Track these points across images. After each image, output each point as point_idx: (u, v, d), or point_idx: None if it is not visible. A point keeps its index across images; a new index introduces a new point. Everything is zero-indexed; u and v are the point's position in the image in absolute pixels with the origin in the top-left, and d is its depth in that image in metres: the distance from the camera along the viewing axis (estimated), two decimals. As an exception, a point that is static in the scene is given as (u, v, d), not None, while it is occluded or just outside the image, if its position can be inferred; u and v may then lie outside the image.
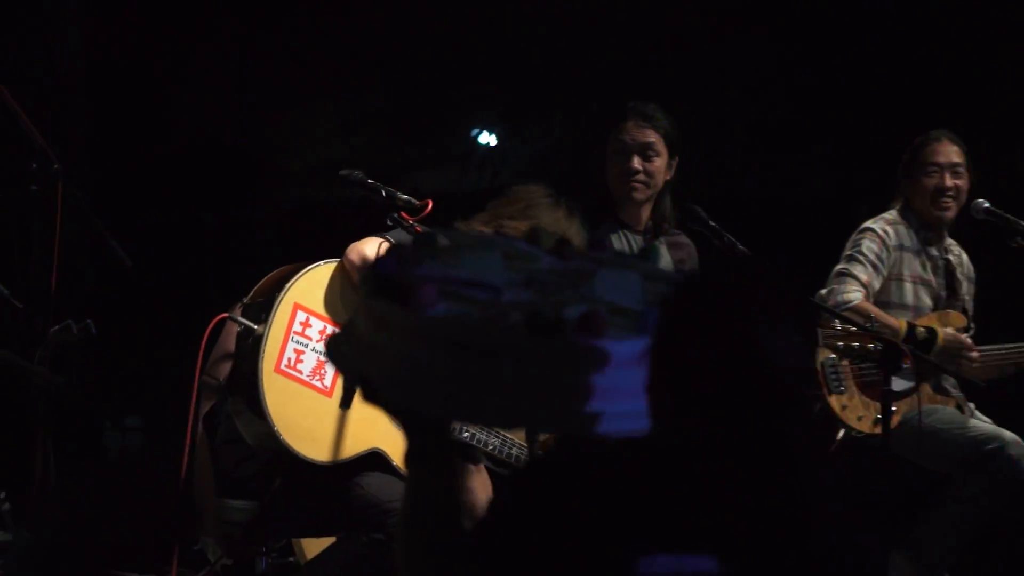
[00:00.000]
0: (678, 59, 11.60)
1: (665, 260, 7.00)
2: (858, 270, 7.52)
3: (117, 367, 10.78)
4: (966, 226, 7.61)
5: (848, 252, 7.63)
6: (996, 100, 10.23)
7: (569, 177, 9.75)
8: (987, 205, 7.38)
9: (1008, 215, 7.31)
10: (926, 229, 7.74)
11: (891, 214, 7.77)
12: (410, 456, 3.41)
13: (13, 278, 8.05)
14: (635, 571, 3.18)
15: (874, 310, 7.31)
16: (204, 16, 12.24)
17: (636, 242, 7.09)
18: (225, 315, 6.14)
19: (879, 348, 6.35)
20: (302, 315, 6.05)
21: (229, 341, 6.16)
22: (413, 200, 6.19)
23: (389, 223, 6.20)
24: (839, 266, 7.58)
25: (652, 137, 7.06)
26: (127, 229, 6.94)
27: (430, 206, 6.18)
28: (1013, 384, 7.78)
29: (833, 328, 6.57)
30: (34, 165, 6.87)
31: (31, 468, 7.08)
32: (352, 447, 6.12)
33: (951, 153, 7.68)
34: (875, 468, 7.07)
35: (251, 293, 6.19)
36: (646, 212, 7.11)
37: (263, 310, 6.03)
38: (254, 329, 6.00)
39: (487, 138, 13.52)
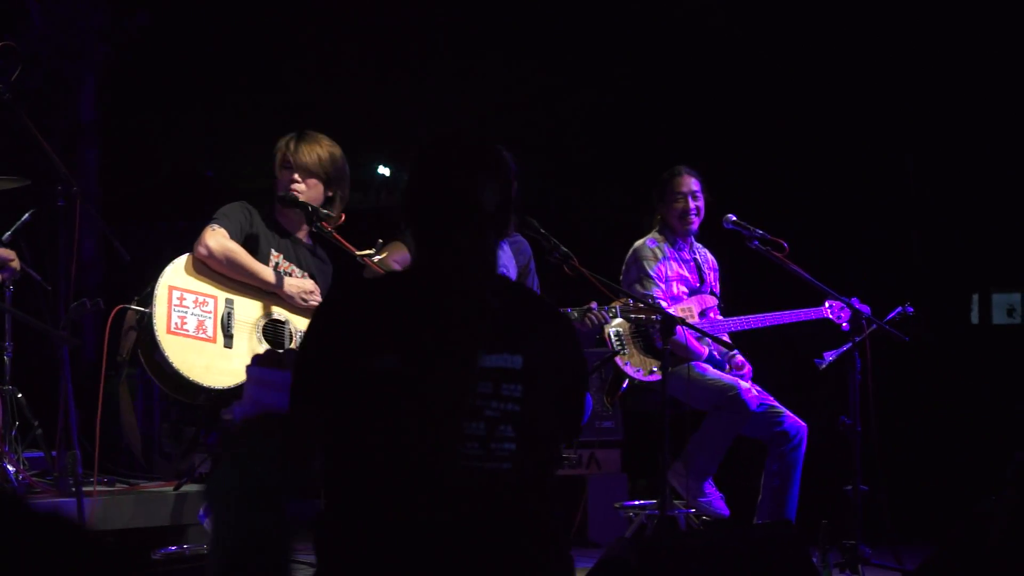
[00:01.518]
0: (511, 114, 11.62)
1: (506, 255, 7.02)
2: (653, 288, 7.57)
3: (118, 332, 10.69)
4: (717, 232, 7.65)
5: (640, 275, 7.65)
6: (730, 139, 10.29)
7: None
8: (734, 218, 7.40)
9: (748, 225, 7.34)
10: (678, 238, 7.80)
11: (654, 233, 7.82)
12: None
13: (44, 268, 8.00)
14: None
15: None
16: (184, 79, 12.18)
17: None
18: (121, 306, 6.23)
19: (659, 319, 6.40)
20: (176, 293, 6.17)
21: (128, 325, 6.23)
22: (331, 214, 6.23)
23: (314, 230, 6.23)
24: (642, 289, 7.56)
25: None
26: (126, 233, 6.95)
27: (343, 218, 6.23)
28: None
29: (627, 304, 6.61)
30: (59, 188, 6.82)
31: (56, 405, 7.05)
32: (241, 374, 6.10)
33: (690, 183, 7.75)
34: (653, 405, 7.17)
35: (144, 292, 6.25)
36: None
37: (149, 297, 6.11)
38: (146, 312, 6.07)
39: (383, 169, 13.53)
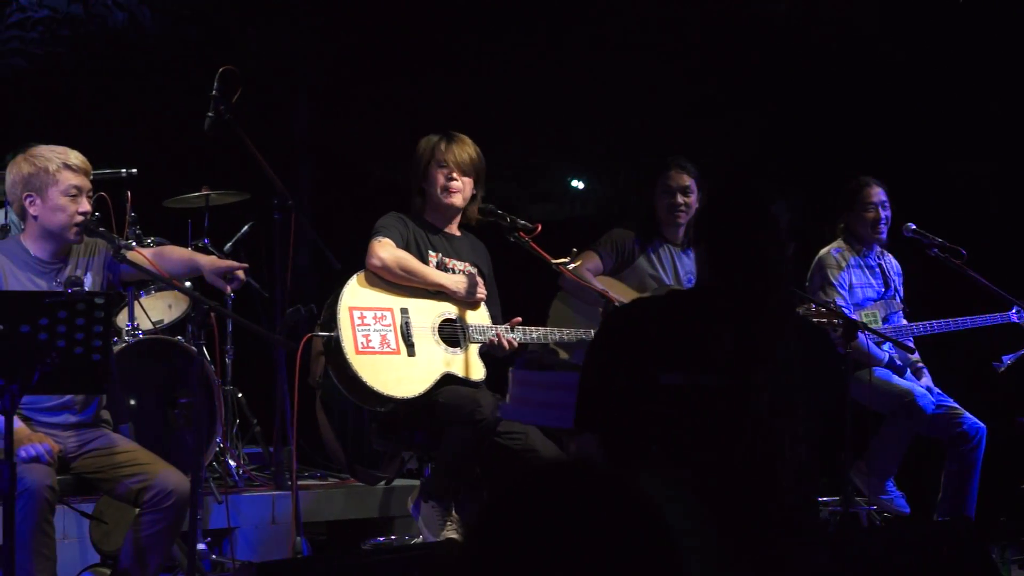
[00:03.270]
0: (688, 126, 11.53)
1: (687, 265, 7.08)
2: (836, 297, 7.47)
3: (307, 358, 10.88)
4: (898, 240, 7.56)
5: (823, 283, 7.53)
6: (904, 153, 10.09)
7: (629, 208, 9.77)
8: (913, 227, 7.33)
9: (927, 233, 7.26)
10: (864, 247, 7.68)
11: (838, 241, 7.70)
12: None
13: (261, 276, 8.17)
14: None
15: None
16: (387, 97, 12.32)
17: (674, 252, 7.13)
18: (310, 334, 6.23)
19: (841, 324, 6.35)
20: (356, 313, 6.15)
21: (317, 350, 6.27)
22: (528, 224, 6.26)
23: (511, 239, 6.25)
24: (824, 297, 7.43)
25: (687, 181, 7.08)
26: (337, 243, 7.04)
27: (539, 228, 6.24)
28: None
29: (808, 309, 6.57)
30: (276, 201, 6.95)
31: (274, 404, 7.20)
32: (429, 378, 6.21)
33: (880, 194, 7.61)
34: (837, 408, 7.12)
35: (321, 315, 6.28)
36: (682, 232, 7.13)
37: (331, 321, 6.12)
38: (332, 336, 6.09)
39: (577, 182, 13.55)
